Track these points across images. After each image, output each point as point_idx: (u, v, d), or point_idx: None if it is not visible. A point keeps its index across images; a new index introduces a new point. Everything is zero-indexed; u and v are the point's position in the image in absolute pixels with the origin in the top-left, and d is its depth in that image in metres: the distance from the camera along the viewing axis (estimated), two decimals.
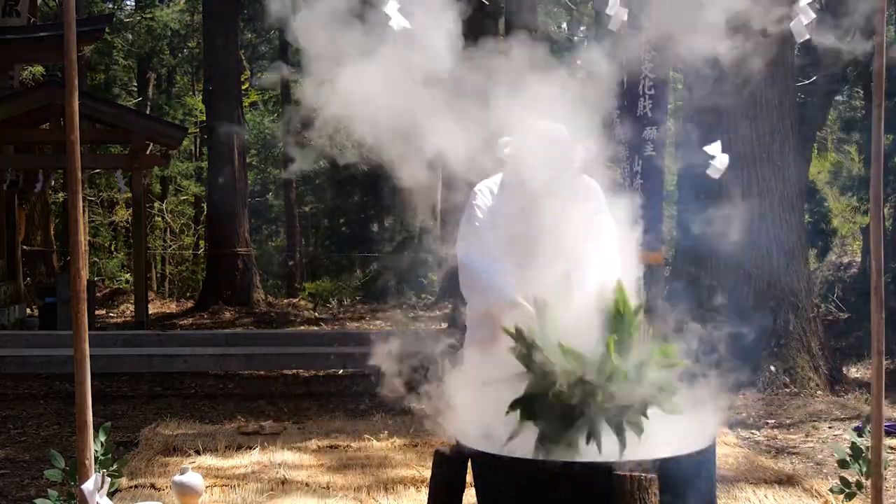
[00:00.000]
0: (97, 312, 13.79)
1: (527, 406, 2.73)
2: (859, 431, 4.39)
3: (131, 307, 14.75)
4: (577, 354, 2.66)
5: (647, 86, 6.62)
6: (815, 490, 4.74)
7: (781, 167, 8.17)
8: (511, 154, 3.41)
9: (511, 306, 3.30)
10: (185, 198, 24.39)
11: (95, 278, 19.18)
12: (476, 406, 2.99)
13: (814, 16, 3.62)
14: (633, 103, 6.71)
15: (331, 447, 5.76)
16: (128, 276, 21.05)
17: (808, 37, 3.69)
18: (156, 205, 22.84)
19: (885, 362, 2.86)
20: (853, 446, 4.18)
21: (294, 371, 9.41)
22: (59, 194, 19.59)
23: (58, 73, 13.83)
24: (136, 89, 25.40)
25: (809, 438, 6.36)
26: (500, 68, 3.32)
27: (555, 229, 3.47)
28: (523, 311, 3.22)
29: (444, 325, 12.09)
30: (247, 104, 21.11)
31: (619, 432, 2.66)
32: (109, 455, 3.59)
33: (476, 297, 3.54)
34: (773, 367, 7.90)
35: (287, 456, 5.51)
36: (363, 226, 26.29)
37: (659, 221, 6.92)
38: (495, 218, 3.48)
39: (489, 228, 3.48)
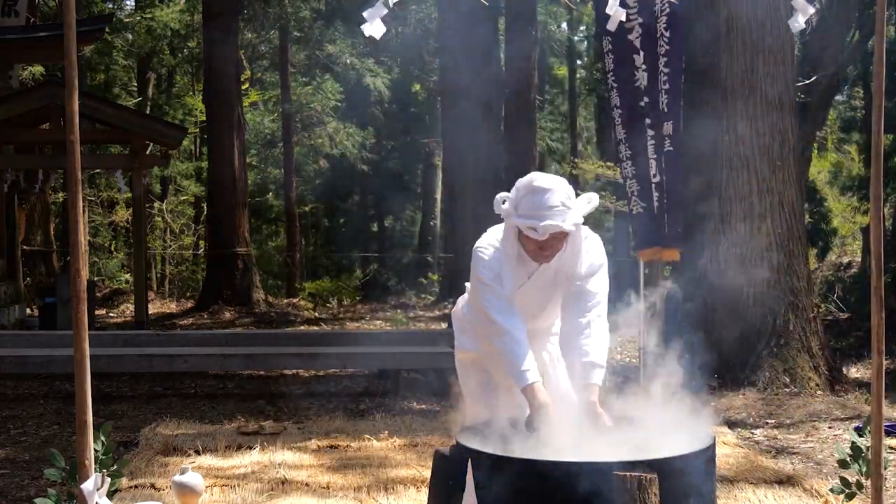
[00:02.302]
0: (97, 312, 13.79)
1: None
2: (860, 431, 4.39)
3: (131, 307, 14.75)
4: None
5: (662, 80, 6.59)
6: (815, 490, 4.74)
7: (781, 167, 8.16)
8: (508, 211, 3.36)
9: (523, 389, 3.30)
10: (185, 198, 24.41)
11: (95, 278, 19.19)
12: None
13: (812, 10, 3.63)
14: (654, 100, 6.67)
15: (331, 447, 5.76)
16: (128, 276, 21.06)
17: (804, 26, 3.70)
18: (156, 205, 22.85)
19: (885, 362, 2.86)
20: (853, 446, 4.18)
21: (294, 371, 9.41)
22: (59, 194, 19.59)
23: (58, 73, 13.84)
24: (136, 89, 25.41)
25: (809, 438, 6.36)
26: None
27: (543, 289, 3.54)
28: (532, 401, 3.26)
29: (445, 326, 12.09)
30: (247, 104, 21.11)
31: None
32: (109, 455, 3.59)
33: (495, 361, 3.53)
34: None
35: (287, 456, 5.50)
36: (363, 226, 26.32)
37: (682, 217, 6.86)
38: (501, 281, 3.45)
39: (503, 291, 3.44)
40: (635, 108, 6.81)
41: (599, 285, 3.48)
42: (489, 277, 3.45)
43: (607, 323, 3.49)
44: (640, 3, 6.55)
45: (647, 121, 6.75)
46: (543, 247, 3.35)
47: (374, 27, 3.59)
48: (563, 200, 3.28)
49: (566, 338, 3.48)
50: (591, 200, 3.37)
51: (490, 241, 3.53)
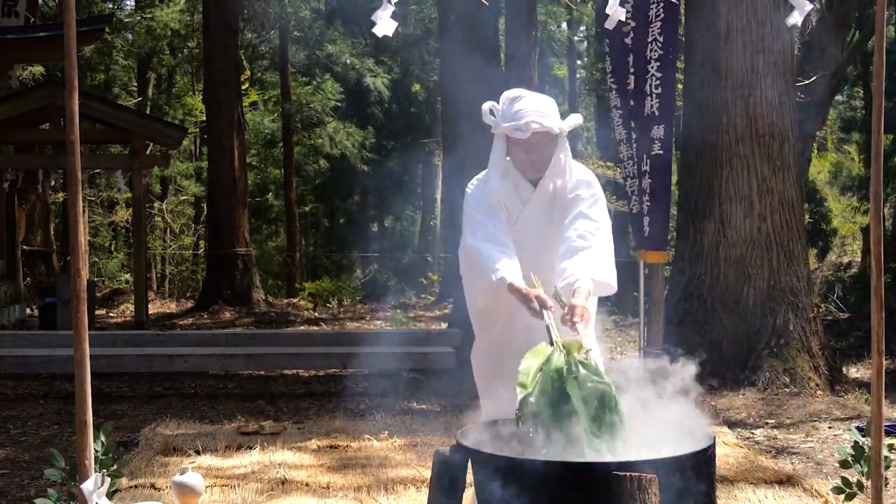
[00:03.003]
0: (97, 312, 13.79)
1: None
2: (862, 431, 4.38)
3: (131, 307, 14.74)
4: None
5: (653, 84, 6.61)
6: (815, 490, 4.74)
7: (781, 167, 8.17)
8: (495, 122, 3.39)
9: (506, 288, 3.25)
10: (185, 198, 24.41)
11: (95, 278, 19.19)
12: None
13: (809, 7, 3.64)
14: (641, 103, 6.70)
15: (331, 447, 5.77)
16: (128, 276, 21.07)
17: (800, 22, 3.71)
18: (156, 205, 22.86)
19: (885, 362, 2.86)
20: (855, 446, 4.17)
21: (294, 371, 9.41)
22: (59, 194, 19.60)
23: (58, 73, 13.83)
24: (136, 89, 25.41)
25: (809, 438, 6.36)
26: None
27: (542, 219, 3.50)
28: (519, 294, 3.22)
29: (445, 326, 12.08)
30: (247, 104, 21.11)
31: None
32: (109, 455, 3.59)
33: (476, 281, 3.49)
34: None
35: (287, 456, 5.51)
36: (363, 226, 26.30)
37: (666, 220, 6.90)
38: (490, 209, 3.46)
39: (489, 219, 3.44)
40: (630, 110, 6.85)
41: (600, 214, 3.45)
42: (472, 207, 3.48)
43: (611, 247, 3.42)
44: (636, 7, 6.56)
45: (632, 123, 6.79)
46: (530, 150, 3.37)
47: (383, 26, 3.64)
48: (545, 104, 3.37)
49: (560, 259, 3.36)
50: (575, 118, 3.42)
51: (477, 176, 3.59)
